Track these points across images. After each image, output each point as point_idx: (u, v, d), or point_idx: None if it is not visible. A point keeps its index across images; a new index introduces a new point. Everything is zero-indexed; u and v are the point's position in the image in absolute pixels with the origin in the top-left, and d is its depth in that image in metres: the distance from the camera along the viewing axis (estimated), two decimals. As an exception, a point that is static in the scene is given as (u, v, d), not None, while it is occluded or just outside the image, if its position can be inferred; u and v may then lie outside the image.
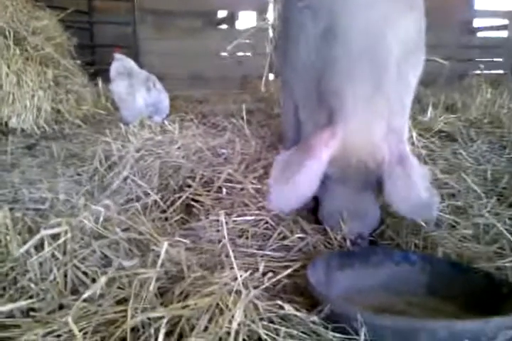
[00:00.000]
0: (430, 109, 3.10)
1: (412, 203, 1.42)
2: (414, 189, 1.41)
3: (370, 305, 1.22)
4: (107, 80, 3.50)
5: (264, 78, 2.60)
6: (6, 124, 3.04)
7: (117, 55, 3.27)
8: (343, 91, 1.48)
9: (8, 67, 3.04)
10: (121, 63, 3.20)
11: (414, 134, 2.47)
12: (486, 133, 2.76)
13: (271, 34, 2.58)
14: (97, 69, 4.62)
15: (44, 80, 3.24)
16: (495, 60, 7.69)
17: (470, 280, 1.25)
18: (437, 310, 1.25)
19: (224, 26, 7.03)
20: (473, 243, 1.56)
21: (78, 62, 3.96)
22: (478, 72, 6.51)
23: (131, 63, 3.24)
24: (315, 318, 1.05)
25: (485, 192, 1.96)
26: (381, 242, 1.59)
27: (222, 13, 7.22)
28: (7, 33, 3.16)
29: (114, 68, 3.20)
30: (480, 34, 8.17)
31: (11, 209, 1.44)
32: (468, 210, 1.79)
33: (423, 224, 1.55)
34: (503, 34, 8.07)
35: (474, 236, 1.61)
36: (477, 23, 8.20)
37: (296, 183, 1.41)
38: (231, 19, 6.73)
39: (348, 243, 1.51)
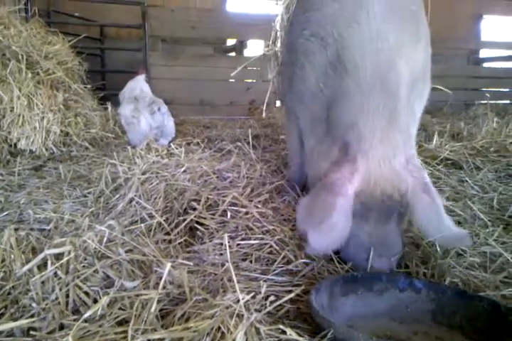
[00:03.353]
0: (436, 137, 3.11)
1: (444, 230, 1.39)
2: (444, 214, 1.39)
3: (374, 333, 1.20)
4: (116, 104, 3.56)
5: (265, 104, 2.64)
6: (15, 146, 3.08)
7: (139, 76, 3.33)
8: (359, 124, 1.47)
9: (20, 90, 3.09)
10: (133, 85, 3.26)
11: (419, 162, 2.48)
12: (492, 161, 2.75)
13: (273, 61, 2.62)
14: (107, 94, 4.71)
15: (54, 103, 3.28)
16: (501, 90, 7.78)
17: (476, 309, 1.23)
18: (442, 339, 1.23)
19: (233, 54, 7.18)
20: (480, 271, 1.54)
21: (88, 86, 4.03)
22: (485, 101, 6.57)
23: (142, 87, 3.28)
24: (318, 344, 1.04)
25: (491, 220, 1.95)
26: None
27: (231, 42, 7.39)
28: (20, 56, 3.23)
29: (124, 91, 3.27)
30: (486, 64, 8.28)
31: (15, 229, 1.45)
32: (474, 238, 1.78)
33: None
34: (509, 65, 8.18)
35: (481, 265, 1.59)
36: (484, 53, 8.34)
37: (331, 224, 1.37)
38: (240, 47, 6.87)
39: None
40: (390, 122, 1.46)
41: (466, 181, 2.40)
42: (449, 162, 2.77)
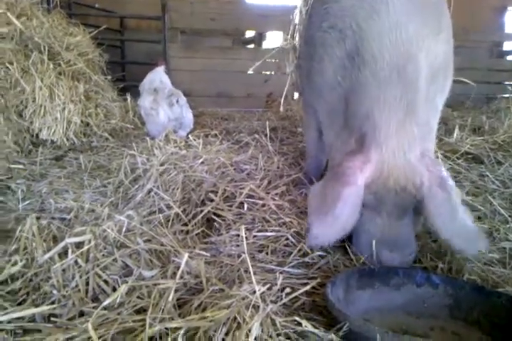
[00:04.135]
0: (457, 130, 3.06)
1: (458, 230, 1.37)
2: (459, 213, 1.36)
3: (390, 327, 1.20)
4: (135, 96, 3.58)
5: (283, 99, 2.63)
6: (37, 136, 3.13)
7: (158, 68, 3.35)
8: (374, 115, 1.46)
9: (42, 81, 3.14)
10: (152, 77, 3.28)
11: (440, 155, 2.45)
12: (513, 156, 2.71)
13: (291, 54, 2.61)
14: (127, 85, 4.74)
15: (75, 94, 3.33)
16: (524, 83, 7.59)
17: (494, 305, 1.22)
18: (459, 335, 1.22)
19: (251, 46, 7.15)
20: (499, 267, 1.52)
21: (109, 77, 4.06)
22: (507, 95, 6.44)
23: (161, 78, 3.30)
24: (333, 336, 1.04)
25: (511, 215, 1.92)
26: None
27: (250, 33, 7.36)
28: (42, 48, 3.28)
29: (144, 82, 3.29)
30: (509, 57, 8.10)
31: (37, 218, 1.47)
32: (494, 234, 1.76)
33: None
34: (533, 58, 8.00)
35: (500, 261, 1.58)
36: (507, 46, 8.15)
37: (336, 215, 1.37)
38: (259, 39, 6.84)
39: None
40: (407, 114, 1.44)
41: (487, 176, 2.36)
42: (470, 156, 2.73)
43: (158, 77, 3.28)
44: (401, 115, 1.44)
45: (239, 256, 1.46)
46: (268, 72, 6.19)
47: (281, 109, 3.51)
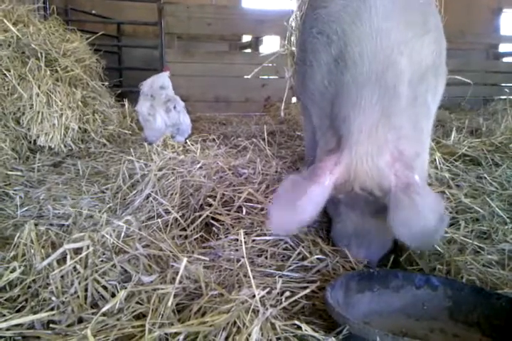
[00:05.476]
0: (454, 132, 3.07)
1: (414, 232, 1.36)
2: (419, 220, 1.35)
3: (390, 330, 1.20)
4: (133, 101, 3.58)
5: (283, 104, 2.64)
6: (35, 142, 3.13)
7: (161, 73, 3.35)
8: (350, 117, 1.48)
9: (39, 88, 3.14)
10: (152, 82, 3.27)
11: (438, 157, 2.45)
12: (511, 158, 2.71)
13: (289, 59, 2.62)
14: (124, 91, 4.75)
15: (72, 100, 3.32)
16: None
17: (494, 307, 1.22)
18: (459, 336, 1.22)
19: (248, 50, 7.18)
20: (497, 269, 1.52)
21: (106, 83, 4.07)
22: (504, 96, 6.47)
23: (161, 83, 3.28)
24: (333, 340, 1.04)
25: (510, 217, 1.92)
26: (406, 267, 1.56)
27: (246, 38, 7.39)
28: (39, 54, 3.28)
29: (145, 84, 3.29)
30: (505, 59, 8.15)
31: (36, 224, 1.47)
32: (492, 235, 1.76)
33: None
34: (529, 59, 8.04)
35: (499, 262, 1.58)
36: (503, 48, 8.20)
37: (295, 208, 1.39)
38: (255, 43, 6.86)
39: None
40: (382, 119, 1.45)
41: (485, 178, 2.36)
42: (468, 158, 2.73)
43: (160, 81, 3.26)
44: (375, 119, 1.45)
45: (238, 260, 1.46)
46: (266, 76, 6.21)
47: (282, 113, 3.53)
